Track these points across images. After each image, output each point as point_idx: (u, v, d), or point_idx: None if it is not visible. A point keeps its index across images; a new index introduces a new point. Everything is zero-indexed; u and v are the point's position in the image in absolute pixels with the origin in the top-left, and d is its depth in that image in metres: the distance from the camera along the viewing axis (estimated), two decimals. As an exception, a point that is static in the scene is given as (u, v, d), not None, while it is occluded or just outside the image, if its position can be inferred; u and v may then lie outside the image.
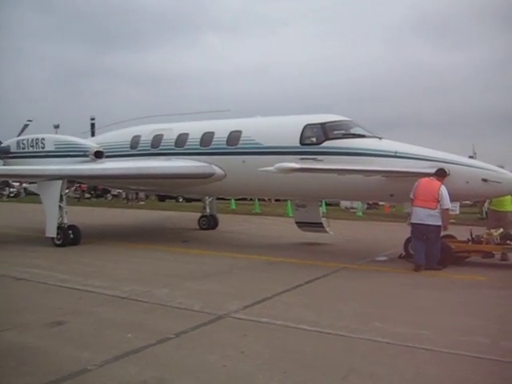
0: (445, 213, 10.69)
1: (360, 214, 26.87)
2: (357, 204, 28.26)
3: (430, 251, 10.82)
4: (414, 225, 10.89)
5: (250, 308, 7.47)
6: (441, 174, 10.86)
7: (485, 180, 10.63)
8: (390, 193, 11.75)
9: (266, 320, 6.79)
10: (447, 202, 10.57)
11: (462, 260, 11.66)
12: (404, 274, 10.50)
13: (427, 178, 10.84)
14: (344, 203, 30.06)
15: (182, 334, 6.15)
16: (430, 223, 10.63)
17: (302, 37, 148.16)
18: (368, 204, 29.71)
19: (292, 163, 10.90)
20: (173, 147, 15.74)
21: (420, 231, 10.81)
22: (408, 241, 11.71)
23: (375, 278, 10.08)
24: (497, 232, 11.67)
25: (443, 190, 10.58)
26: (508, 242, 11.43)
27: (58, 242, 13.88)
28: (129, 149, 16.86)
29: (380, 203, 28.59)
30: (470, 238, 11.86)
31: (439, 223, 10.67)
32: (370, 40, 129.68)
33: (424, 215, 10.66)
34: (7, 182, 42.39)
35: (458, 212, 24.58)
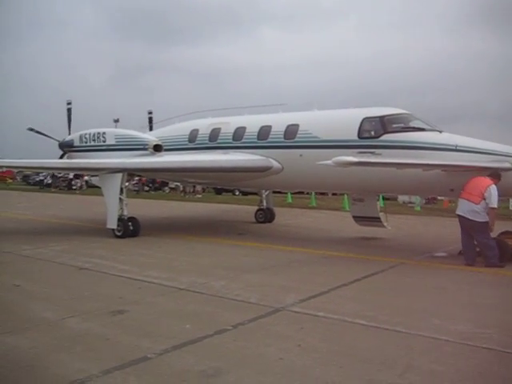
0: (491, 212, 10.43)
1: (418, 208, 26.40)
2: (415, 198, 27.76)
3: (480, 248, 10.64)
4: (458, 216, 10.87)
5: (306, 302, 7.48)
6: (494, 175, 10.60)
7: None
8: (451, 187, 11.46)
9: (323, 314, 6.78)
10: (494, 201, 10.32)
11: None
12: (464, 270, 10.25)
13: (481, 176, 10.62)
14: (402, 197, 29.57)
15: (239, 326, 6.23)
16: (471, 218, 10.46)
17: (360, 29, 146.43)
18: (426, 199, 29.13)
19: (350, 157, 10.78)
20: (230, 141, 15.86)
21: (463, 224, 10.73)
22: None
23: (434, 274, 9.88)
24: None
25: (492, 188, 10.34)
26: None
27: (118, 234, 14.23)
28: (187, 142, 17.10)
29: (438, 198, 27.96)
30: None
31: (482, 220, 10.42)
32: (430, 30, 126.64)
33: (466, 209, 10.56)
34: (78, 175, 43.68)
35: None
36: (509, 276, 9.69)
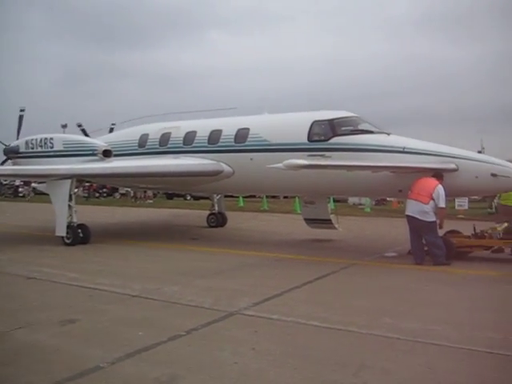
0: (440, 211, 10.76)
1: (368, 210, 26.86)
2: (365, 200, 28.24)
3: (428, 247, 10.92)
4: (406, 217, 11.09)
5: (260, 305, 7.49)
6: (438, 175, 10.93)
7: (494, 175, 10.61)
8: (399, 188, 11.72)
9: (277, 317, 6.80)
10: (443, 201, 10.67)
11: (465, 255, 11.67)
12: (413, 269, 10.50)
13: (427, 177, 10.93)
14: (352, 199, 30.04)
15: (192, 331, 6.18)
16: (420, 218, 10.73)
17: (308, 33, 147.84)
18: (376, 200, 29.67)
19: (300, 160, 10.89)
20: (181, 145, 15.78)
21: (412, 224, 10.98)
22: None
23: (385, 274, 10.09)
24: (501, 227, 11.67)
25: (440, 188, 10.68)
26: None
27: (67, 241, 13.93)
28: (137, 147, 16.92)
29: (388, 199, 28.52)
30: (473, 232, 11.88)
31: (431, 219, 10.73)
32: (376, 35, 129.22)
33: (416, 209, 10.81)
34: (26, 182, 42.37)
35: (466, 207, 24.75)
36: (456, 273, 9.95)
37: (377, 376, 4.81)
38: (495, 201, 14.51)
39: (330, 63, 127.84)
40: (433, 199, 10.66)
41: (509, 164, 11.17)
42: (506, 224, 11.82)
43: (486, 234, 11.63)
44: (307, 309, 7.25)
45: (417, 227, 10.95)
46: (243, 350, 5.53)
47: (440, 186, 10.71)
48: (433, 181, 10.83)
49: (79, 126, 21.39)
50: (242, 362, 5.18)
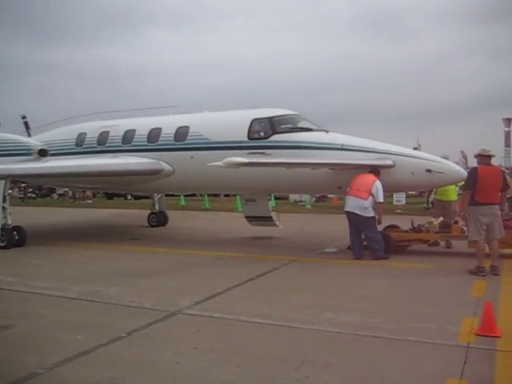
0: (379, 206, 11.05)
1: (309, 206, 27.14)
2: (305, 197, 28.51)
3: (368, 242, 11.16)
4: (346, 213, 11.27)
5: (202, 304, 7.46)
6: (375, 171, 11.19)
7: (429, 171, 10.94)
8: (338, 185, 11.93)
9: (219, 315, 6.80)
10: (381, 196, 10.94)
11: (404, 249, 12.00)
12: (353, 264, 10.71)
13: (365, 173, 11.17)
14: (293, 196, 30.26)
15: (133, 333, 6.09)
16: (360, 213, 10.96)
17: (249, 31, 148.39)
18: (317, 197, 30.02)
19: (240, 158, 10.93)
20: (120, 144, 15.51)
21: (351, 220, 11.18)
22: None
23: (325, 270, 10.25)
24: (437, 221, 12.07)
25: (378, 184, 10.95)
26: (447, 230, 11.81)
27: (1, 244, 13.46)
28: (74, 146, 16.53)
29: (329, 196, 28.91)
30: (411, 227, 12.22)
31: (370, 215, 10.99)
32: (313, 33, 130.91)
33: (355, 205, 11.01)
34: None
35: (404, 202, 25.41)
36: (394, 267, 10.21)
37: (318, 370, 4.88)
38: (432, 196, 14.89)
39: (268, 61, 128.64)
40: (372, 195, 10.89)
41: (443, 160, 11.56)
42: (441, 218, 12.22)
43: (423, 228, 11.98)
44: (249, 306, 7.27)
45: (356, 223, 11.15)
46: (185, 349, 5.49)
47: (378, 182, 10.96)
48: (371, 177, 11.07)
49: (23, 117, 20.65)
50: (185, 361, 5.15)
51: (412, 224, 12.25)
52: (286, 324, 6.37)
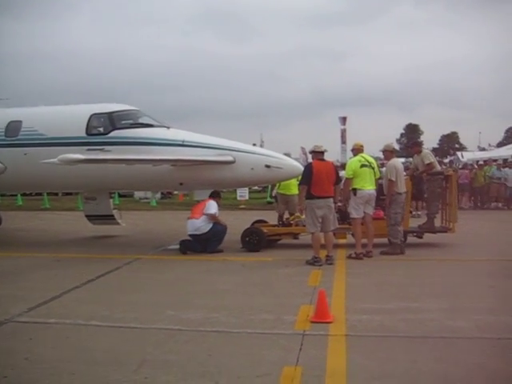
0: (211, 217, 11.32)
1: (154, 203, 26.84)
2: (150, 194, 28.14)
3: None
4: (189, 236, 11.49)
5: (36, 309, 7.01)
6: (214, 195, 11.69)
7: (268, 166, 11.30)
8: (180, 181, 11.95)
9: (54, 320, 6.45)
10: (211, 208, 11.27)
11: (274, 242, 12.34)
12: (195, 261, 10.77)
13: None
14: (138, 194, 29.72)
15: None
16: (198, 233, 11.28)
17: (91, 23, 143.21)
18: (162, 194, 29.75)
19: (77, 154, 10.50)
20: None
21: (196, 239, 11.42)
22: None
23: (168, 267, 10.20)
24: (303, 215, 12.51)
25: (210, 202, 11.42)
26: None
27: None
28: None
29: (174, 192, 28.80)
30: (280, 221, 12.81)
31: (206, 230, 11.24)
32: (168, 29, 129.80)
33: (192, 228, 11.34)
34: None
35: (247, 197, 26.06)
36: (235, 261, 10.44)
37: (158, 369, 4.80)
38: (274, 190, 15.42)
39: (112, 55, 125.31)
40: (204, 214, 11.24)
41: (282, 156, 12.02)
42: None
43: (291, 222, 12.41)
44: (88, 308, 6.98)
45: (199, 240, 11.39)
46: (15, 361, 5.08)
47: (211, 201, 11.42)
48: (207, 200, 11.51)
49: None
50: (13, 374, 4.77)
51: (281, 218, 12.94)
52: (126, 325, 6.20)
